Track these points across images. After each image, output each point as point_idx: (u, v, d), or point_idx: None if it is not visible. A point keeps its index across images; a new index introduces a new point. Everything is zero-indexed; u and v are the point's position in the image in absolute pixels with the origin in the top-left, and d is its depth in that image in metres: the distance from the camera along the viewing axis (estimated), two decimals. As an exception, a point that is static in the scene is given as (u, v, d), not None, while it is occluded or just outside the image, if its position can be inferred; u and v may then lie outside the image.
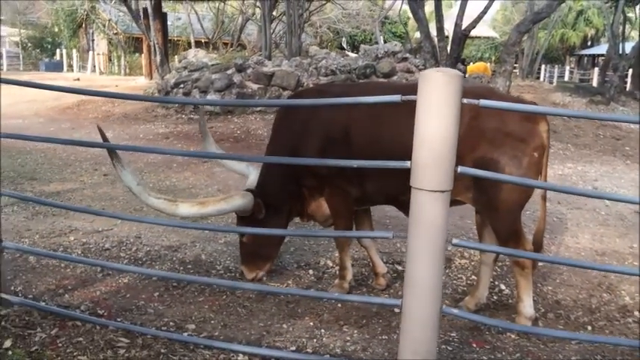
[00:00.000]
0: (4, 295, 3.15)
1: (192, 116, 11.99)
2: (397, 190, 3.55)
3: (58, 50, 34.80)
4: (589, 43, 40.98)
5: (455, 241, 2.35)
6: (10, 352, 2.70)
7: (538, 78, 29.22)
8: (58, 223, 5.10)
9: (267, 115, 11.36)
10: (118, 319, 3.23)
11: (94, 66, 32.24)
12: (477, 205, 3.40)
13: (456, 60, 11.61)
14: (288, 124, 3.82)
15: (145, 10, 17.40)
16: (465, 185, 3.22)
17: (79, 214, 5.34)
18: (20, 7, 36.43)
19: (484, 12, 12.01)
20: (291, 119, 3.80)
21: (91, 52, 32.89)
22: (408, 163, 2.33)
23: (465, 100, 2.23)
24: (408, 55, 12.28)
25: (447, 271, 4.38)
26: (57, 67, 31.53)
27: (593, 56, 38.11)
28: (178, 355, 2.77)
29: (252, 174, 4.02)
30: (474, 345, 3.19)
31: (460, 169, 2.29)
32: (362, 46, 13.93)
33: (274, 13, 15.68)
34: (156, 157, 8.22)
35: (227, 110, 11.68)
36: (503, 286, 4.11)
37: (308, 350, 3.01)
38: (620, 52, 14.49)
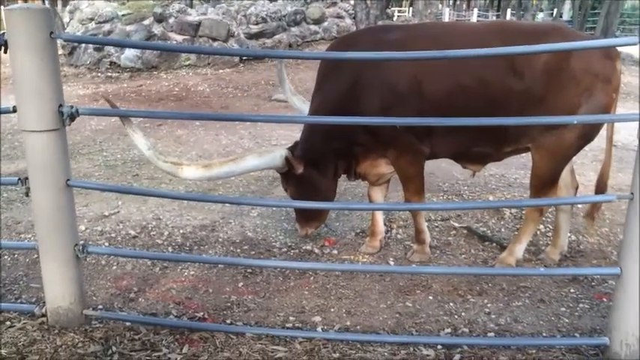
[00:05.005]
0: (88, 312, 2.50)
1: (110, 74, 10.70)
2: (469, 144, 3.30)
3: None
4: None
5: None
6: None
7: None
8: (48, 210, 4.24)
9: (199, 69, 10.45)
10: (227, 322, 2.73)
11: None
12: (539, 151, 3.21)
13: (387, 3, 11.37)
14: (339, 75, 3.30)
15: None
16: (539, 131, 3.10)
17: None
18: None
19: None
20: (344, 70, 3.29)
21: None
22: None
23: None
24: (337, -1, 11.83)
25: (502, 222, 4.27)
26: None
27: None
28: (355, 357, 2.36)
29: None
30: (605, 299, 3.09)
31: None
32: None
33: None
34: (101, 124, 7.23)
35: (151, 66, 10.56)
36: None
37: (465, 330, 2.72)
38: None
